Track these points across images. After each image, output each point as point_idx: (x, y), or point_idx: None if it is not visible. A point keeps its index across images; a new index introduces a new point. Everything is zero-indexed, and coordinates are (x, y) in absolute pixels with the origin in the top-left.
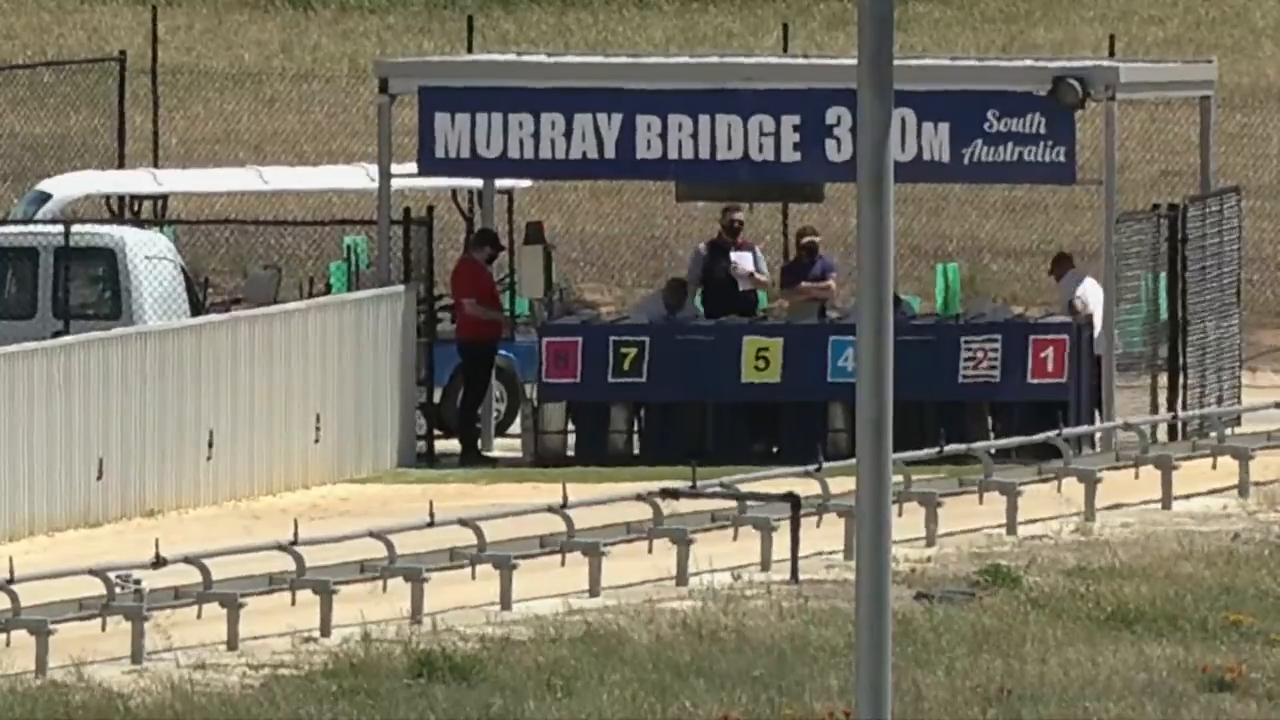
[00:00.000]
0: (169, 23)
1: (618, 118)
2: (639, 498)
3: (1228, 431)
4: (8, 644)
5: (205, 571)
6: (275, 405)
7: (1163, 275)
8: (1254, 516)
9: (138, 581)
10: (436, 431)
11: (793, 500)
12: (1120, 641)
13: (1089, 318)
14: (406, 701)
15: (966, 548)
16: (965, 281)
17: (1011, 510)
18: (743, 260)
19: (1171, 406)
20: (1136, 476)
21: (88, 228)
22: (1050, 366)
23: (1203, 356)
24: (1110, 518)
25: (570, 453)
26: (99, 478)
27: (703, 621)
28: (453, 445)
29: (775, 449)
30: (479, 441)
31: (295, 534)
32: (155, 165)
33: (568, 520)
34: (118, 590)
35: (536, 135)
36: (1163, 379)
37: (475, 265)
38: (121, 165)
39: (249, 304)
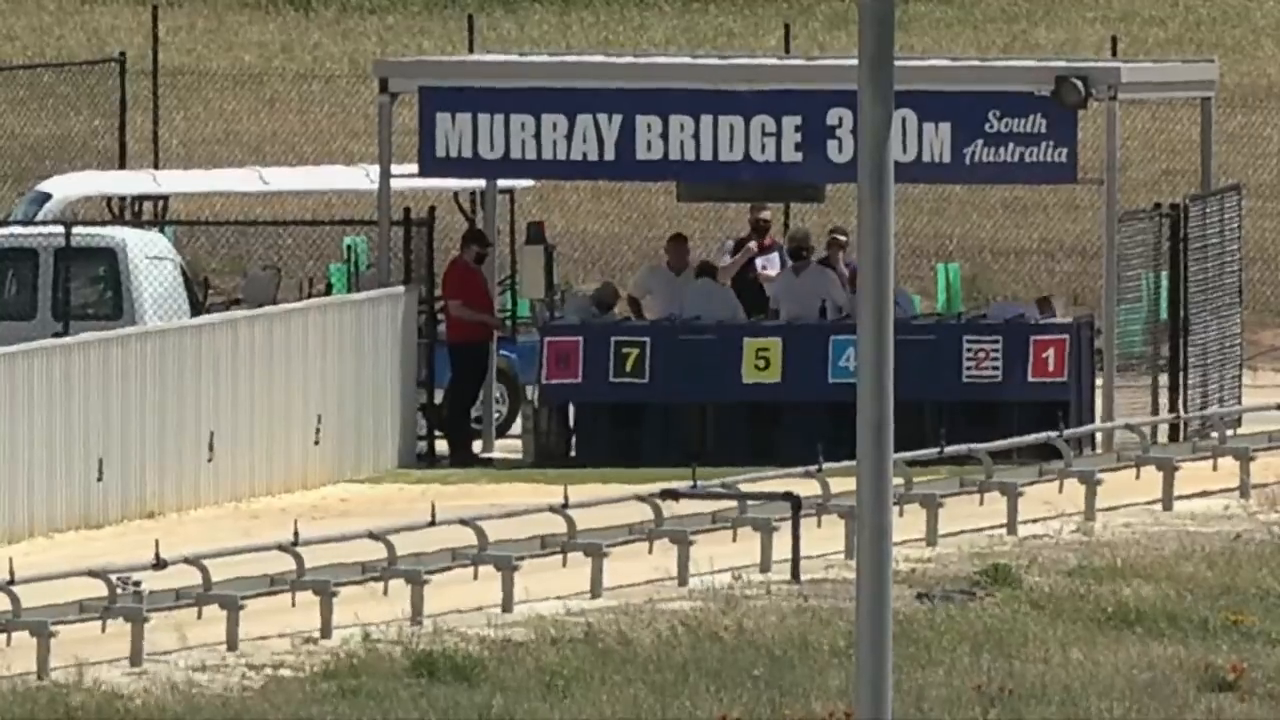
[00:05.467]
0: (169, 23)
1: (619, 118)
2: (639, 498)
3: (1229, 432)
4: (8, 645)
5: (205, 572)
6: (275, 406)
7: (1164, 275)
8: (1255, 517)
9: (138, 583)
10: (437, 432)
11: (793, 500)
12: (1121, 642)
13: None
14: (407, 703)
15: (967, 548)
16: (966, 281)
17: (1012, 511)
18: (770, 264)
19: (1173, 407)
20: (1137, 477)
21: (88, 228)
22: (1051, 366)
23: (1204, 356)
24: (1111, 518)
25: (571, 453)
26: (99, 479)
27: (703, 622)
28: None
29: (775, 449)
30: (475, 442)
31: (295, 535)
32: (155, 166)
33: (569, 521)
34: (118, 591)
35: (538, 136)
36: (1164, 379)
37: (464, 267)
38: (122, 166)
39: (249, 305)
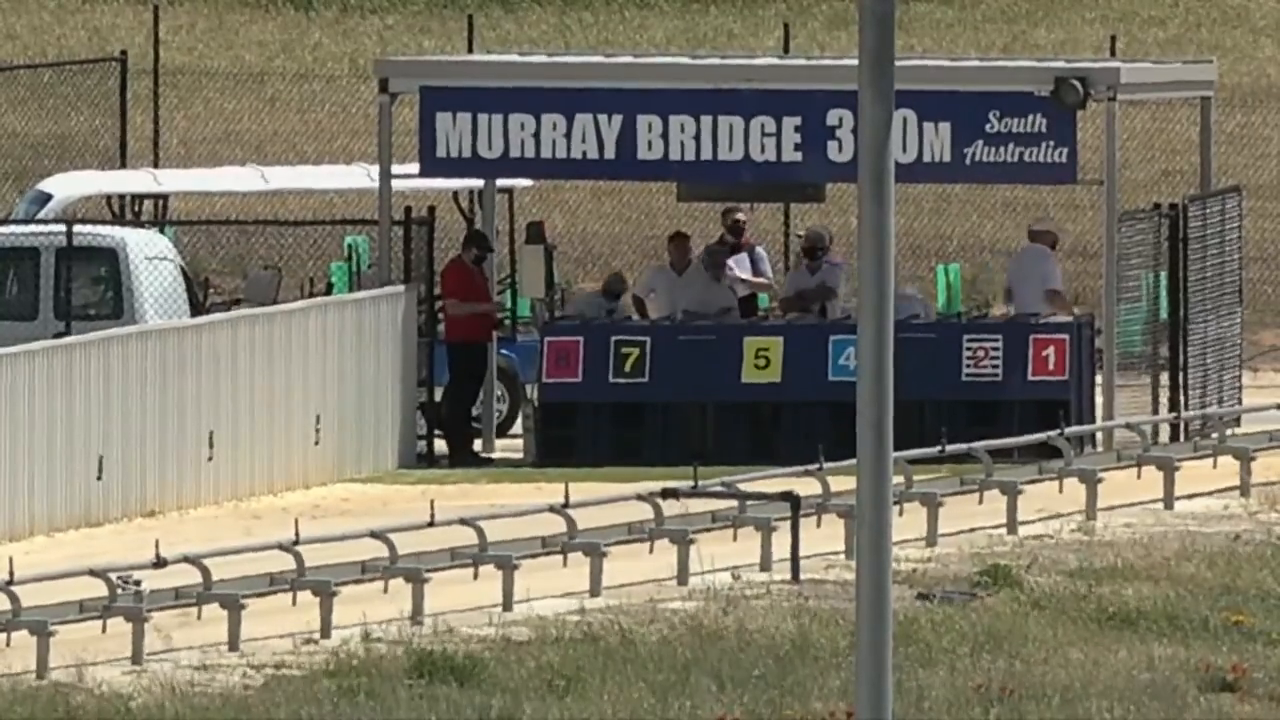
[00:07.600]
0: (170, 23)
1: (619, 118)
2: (640, 498)
3: (1229, 431)
4: (8, 645)
5: (206, 572)
6: (276, 405)
7: (1163, 275)
8: (1255, 517)
9: (138, 582)
10: (437, 432)
11: (793, 500)
12: (1122, 642)
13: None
14: (407, 702)
15: (967, 548)
16: (966, 281)
17: (1012, 510)
18: (738, 265)
19: (1173, 406)
20: (1138, 476)
21: (89, 228)
22: (1051, 365)
23: (1204, 356)
24: (1111, 518)
25: (571, 453)
26: (99, 478)
27: (704, 622)
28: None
29: (775, 449)
30: (475, 442)
31: (296, 534)
32: (156, 165)
33: (569, 520)
34: (118, 591)
35: (538, 135)
36: (1164, 378)
37: (462, 266)
38: (123, 165)
39: (249, 304)
